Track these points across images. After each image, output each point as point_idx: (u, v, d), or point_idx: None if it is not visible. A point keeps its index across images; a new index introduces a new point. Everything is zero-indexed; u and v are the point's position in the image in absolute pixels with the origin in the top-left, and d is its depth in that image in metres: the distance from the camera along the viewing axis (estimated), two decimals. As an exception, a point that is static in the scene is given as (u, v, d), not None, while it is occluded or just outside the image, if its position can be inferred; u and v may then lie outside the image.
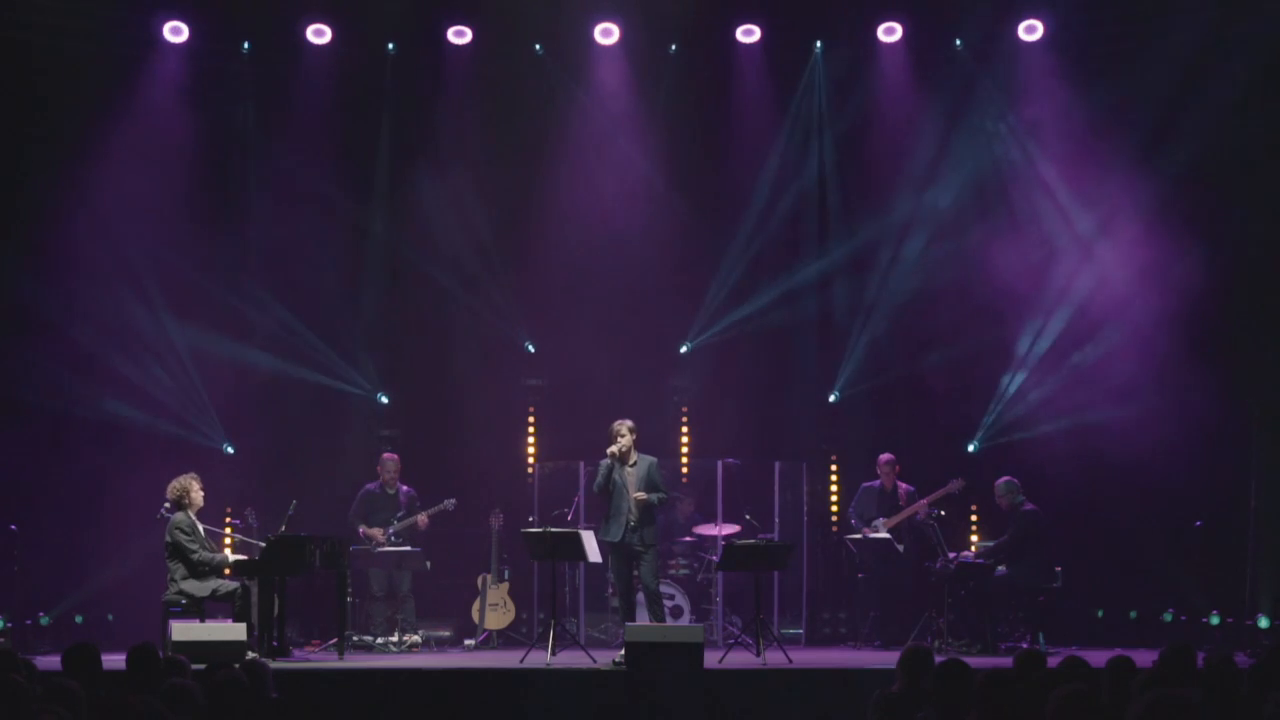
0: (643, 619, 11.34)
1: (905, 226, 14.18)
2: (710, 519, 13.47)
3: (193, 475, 11.46)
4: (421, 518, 13.16)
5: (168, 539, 11.21)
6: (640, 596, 11.38)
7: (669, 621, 11.97)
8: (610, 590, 13.32)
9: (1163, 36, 13.15)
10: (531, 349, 14.61)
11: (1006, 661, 9.03)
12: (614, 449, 11.25)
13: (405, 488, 13.39)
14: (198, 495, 11.40)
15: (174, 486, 11.36)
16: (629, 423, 11.40)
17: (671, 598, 12.79)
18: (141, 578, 12.41)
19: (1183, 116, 13.07)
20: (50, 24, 13.25)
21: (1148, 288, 13.46)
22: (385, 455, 13.51)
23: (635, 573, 11.30)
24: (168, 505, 11.55)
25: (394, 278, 14.54)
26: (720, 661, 10.74)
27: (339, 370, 14.28)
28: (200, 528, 11.40)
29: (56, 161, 13.44)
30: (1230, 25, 12.91)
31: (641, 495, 11.18)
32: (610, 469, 11.26)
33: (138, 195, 13.71)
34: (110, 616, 13.17)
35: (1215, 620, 12.74)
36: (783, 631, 13.09)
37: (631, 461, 11.33)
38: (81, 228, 13.53)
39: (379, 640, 12.76)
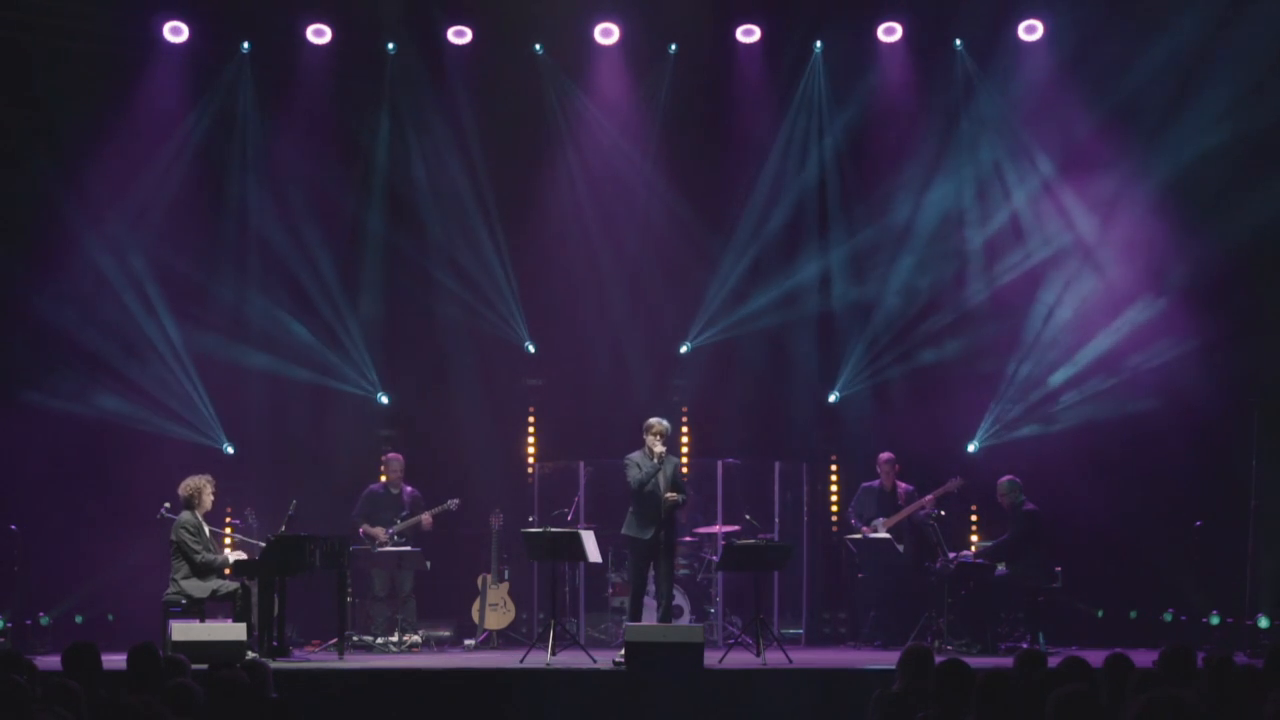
0: (649, 619, 11.36)
1: (905, 226, 14.18)
2: (710, 519, 13.47)
3: (207, 478, 11.45)
4: (426, 517, 13.17)
5: (173, 538, 11.21)
6: (650, 600, 11.41)
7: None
8: (610, 590, 13.33)
9: (1162, 35, 13.15)
10: (531, 349, 14.61)
11: (1006, 661, 9.04)
12: (661, 449, 11.28)
13: (409, 488, 13.39)
14: (208, 498, 11.40)
15: (187, 484, 11.35)
16: (666, 422, 11.45)
17: (671, 598, 12.78)
18: (141, 578, 12.42)
19: (1182, 115, 13.09)
20: (50, 24, 13.25)
21: (1148, 286, 13.48)
22: (389, 455, 13.53)
23: (650, 573, 11.30)
24: (167, 506, 11.56)
25: (393, 277, 14.53)
26: (720, 661, 10.74)
27: (339, 370, 14.28)
28: (206, 529, 11.40)
29: (56, 161, 13.43)
30: (1229, 23, 12.92)
31: (673, 495, 11.24)
32: (658, 468, 11.26)
33: (137, 195, 13.74)
34: (110, 616, 13.17)
35: (1215, 620, 12.74)
36: (783, 631, 13.09)
37: (661, 462, 11.37)
38: (81, 227, 13.54)
39: (379, 640, 12.75)
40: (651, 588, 11.54)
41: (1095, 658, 7.05)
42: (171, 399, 13.75)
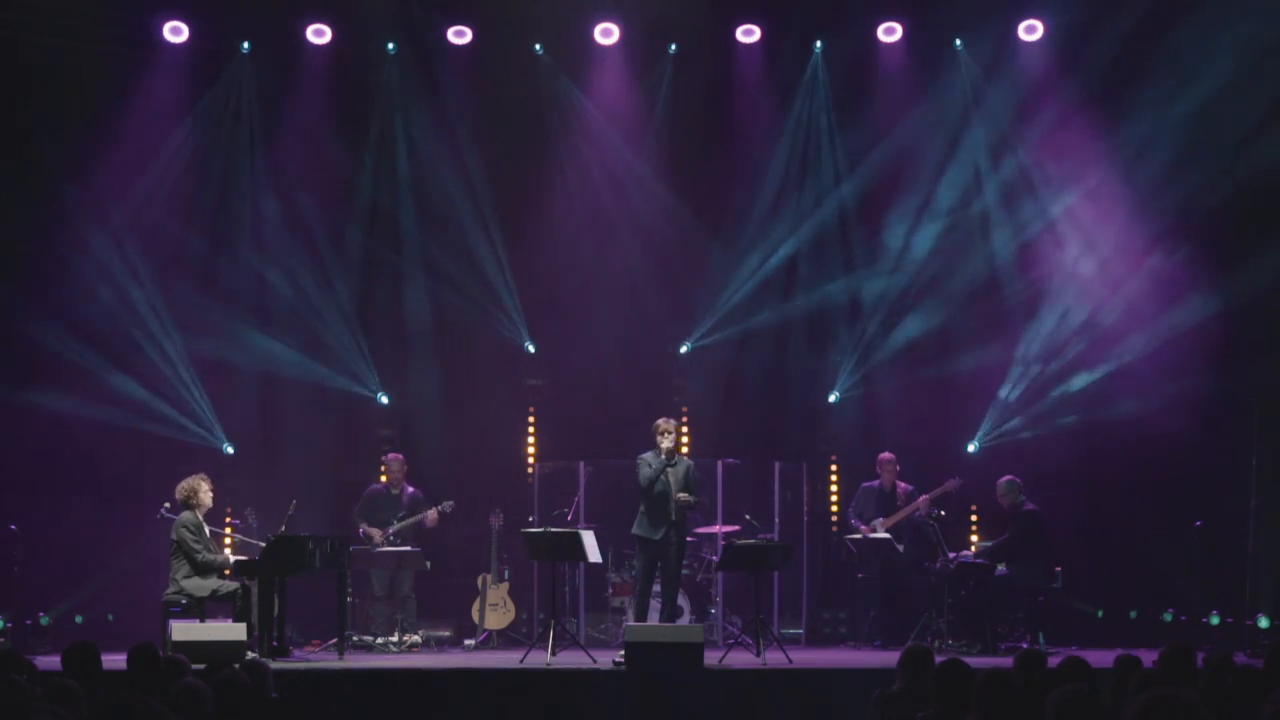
0: (653, 619, 11.38)
1: (905, 226, 14.18)
2: (710, 519, 13.47)
3: (202, 476, 11.46)
4: (431, 513, 13.14)
5: (173, 537, 11.22)
6: (654, 602, 11.41)
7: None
8: (610, 590, 13.33)
9: (1162, 35, 13.15)
10: (531, 349, 14.61)
11: (1006, 661, 9.03)
12: (669, 444, 11.33)
13: (411, 489, 13.39)
14: (206, 496, 11.40)
15: (183, 486, 11.35)
16: (674, 421, 11.51)
17: (676, 599, 12.78)
18: (141, 578, 12.42)
19: (1181, 114, 13.10)
20: (50, 24, 13.25)
21: (1149, 286, 13.48)
22: (390, 455, 13.53)
23: (656, 573, 11.32)
24: (167, 506, 11.56)
25: (393, 278, 14.53)
26: (720, 661, 10.74)
27: (339, 370, 14.28)
28: (206, 528, 11.41)
29: (57, 161, 13.43)
30: (1229, 23, 12.92)
31: (684, 496, 11.27)
32: (665, 467, 11.29)
33: (137, 195, 13.74)
34: (110, 616, 13.17)
35: (1215, 620, 12.74)
36: (783, 631, 13.09)
37: (672, 461, 11.37)
38: (81, 226, 13.55)
39: (379, 640, 12.76)
40: (656, 588, 11.54)
41: (1095, 658, 7.06)
42: (171, 399, 13.74)
